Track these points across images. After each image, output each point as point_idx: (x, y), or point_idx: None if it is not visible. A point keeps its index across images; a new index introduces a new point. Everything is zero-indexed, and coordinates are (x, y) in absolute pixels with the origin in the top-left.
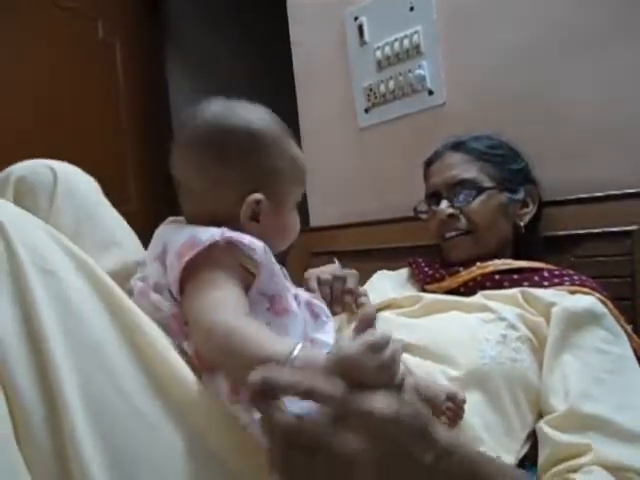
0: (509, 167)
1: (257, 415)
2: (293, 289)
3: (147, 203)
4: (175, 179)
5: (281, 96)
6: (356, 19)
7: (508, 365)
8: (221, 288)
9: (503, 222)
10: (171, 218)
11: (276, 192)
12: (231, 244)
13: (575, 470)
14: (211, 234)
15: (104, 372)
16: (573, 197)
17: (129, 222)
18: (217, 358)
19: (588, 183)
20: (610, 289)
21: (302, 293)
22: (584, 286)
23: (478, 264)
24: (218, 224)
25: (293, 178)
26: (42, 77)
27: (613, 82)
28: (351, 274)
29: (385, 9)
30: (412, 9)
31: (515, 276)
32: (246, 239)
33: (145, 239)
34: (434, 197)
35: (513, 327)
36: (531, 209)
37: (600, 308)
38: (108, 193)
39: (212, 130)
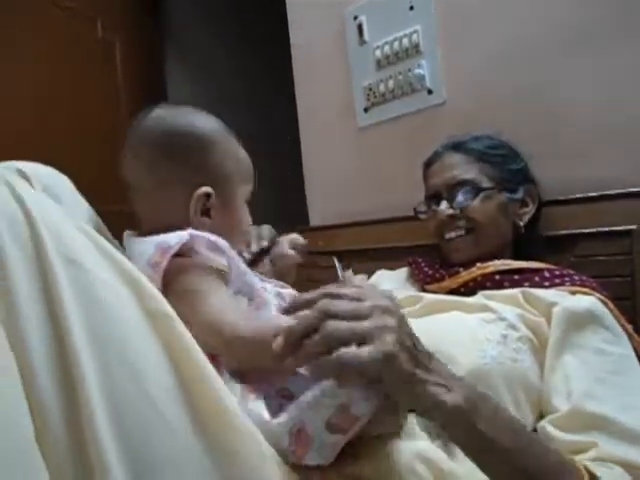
0: (508, 167)
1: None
2: (260, 282)
3: None
4: (125, 182)
5: (280, 96)
6: (355, 18)
7: (509, 365)
8: (214, 289)
9: (503, 222)
10: (127, 232)
11: (224, 189)
12: (199, 243)
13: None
14: (179, 236)
15: (129, 373)
16: (573, 197)
17: (128, 221)
18: (244, 356)
19: (588, 182)
20: (610, 288)
21: (269, 285)
22: (585, 286)
23: (478, 264)
24: (173, 228)
25: (239, 177)
26: (41, 77)
27: (613, 82)
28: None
29: (384, 8)
30: (412, 8)
31: (516, 276)
32: (212, 237)
33: None
34: (434, 198)
35: (513, 327)
36: (530, 208)
37: (600, 308)
38: (107, 192)
39: (158, 131)
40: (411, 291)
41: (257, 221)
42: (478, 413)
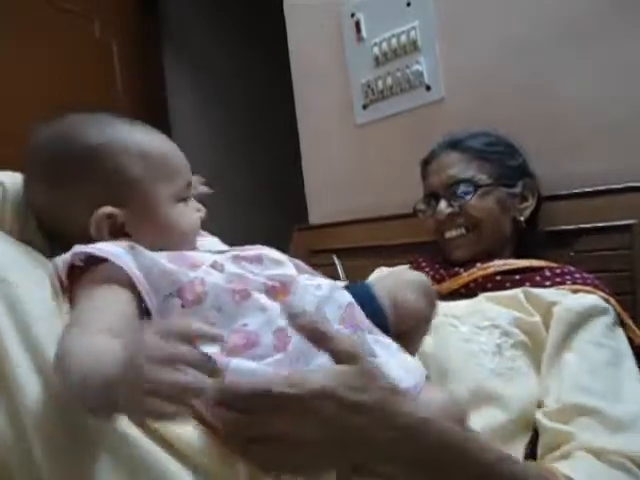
0: (506, 163)
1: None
2: (207, 260)
3: None
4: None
5: (279, 94)
6: (353, 15)
7: (507, 375)
8: (85, 298)
9: (503, 217)
10: None
11: (134, 197)
12: (87, 258)
13: (563, 457)
14: (62, 258)
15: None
16: (572, 191)
17: None
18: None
19: (587, 177)
20: (610, 283)
21: (224, 257)
22: (586, 284)
23: (479, 265)
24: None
25: (151, 175)
26: (39, 78)
27: (612, 76)
28: None
29: (382, 5)
30: (409, 5)
31: (516, 276)
32: (96, 248)
33: None
34: (433, 197)
35: (507, 334)
36: (530, 203)
37: (602, 305)
38: None
39: (43, 158)
40: None
41: (257, 219)
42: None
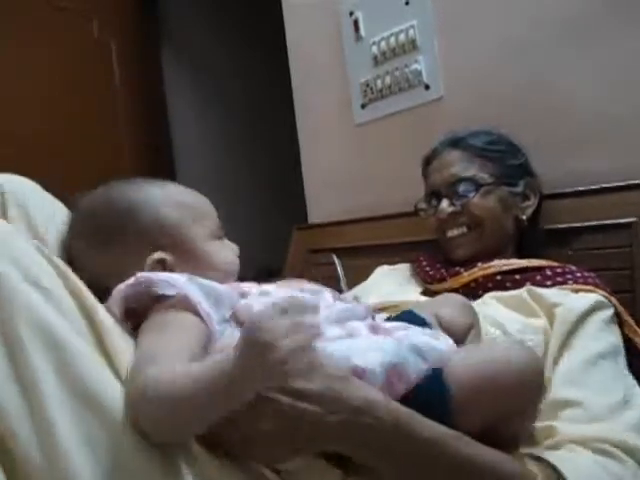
0: (508, 162)
1: None
2: (257, 290)
3: None
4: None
5: (278, 94)
6: (351, 14)
7: None
8: (157, 327)
9: (504, 216)
10: None
11: (176, 241)
12: (148, 286)
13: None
14: (125, 283)
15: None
16: (572, 190)
17: None
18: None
19: (587, 175)
20: (609, 281)
21: (275, 290)
22: (587, 284)
23: (480, 264)
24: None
25: (188, 220)
26: (38, 77)
27: (611, 74)
28: None
29: (380, 4)
30: (407, 3)
31: (517, 276)
32: (160, 276)
33: None
34: (434, 195)
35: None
36: (532, 202)
37: (602, 301)
38: None
39: (89, 224)
40: (416, 288)
41: (257, 219)
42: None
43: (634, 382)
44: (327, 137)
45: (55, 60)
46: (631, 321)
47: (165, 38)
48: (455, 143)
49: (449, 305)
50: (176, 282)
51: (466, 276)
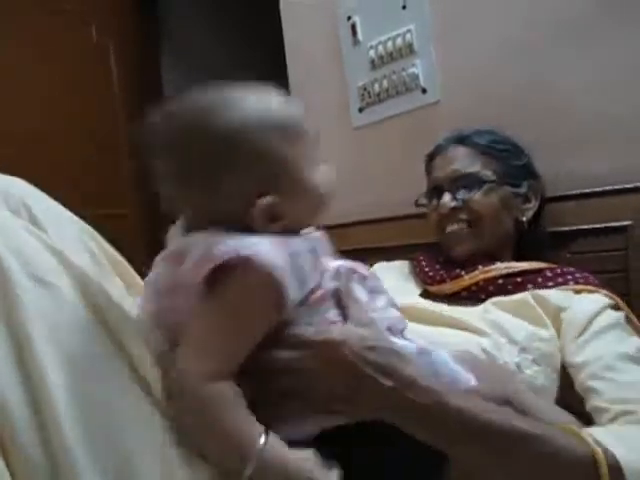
0: (512, 162)
1: None
2: (329, 265)
3: (142, 205)
4: (162, 192)
5: None
6: (349, 18)
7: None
8: (225, 319)
9: (505, 216)
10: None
11: (286, 179)
12: (247, 263)
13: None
14: (224, 249)
15: (97, 388)
16: (568, 193)
17: (124, 224)
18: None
19: (582, 179)
20: (605, 284)
21: (341, 264)
22: (588, 283)
23: (480, 268)
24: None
25: (290, 147)
26: (37, 81)
27: (607, 77)
28: None
29: (378, 8)
30: (404, 7)
31: (518, 279)
32: (262, 255)
33: (140, 242)
34: (436, 191)
35: (525, 350)
36: (533, 204)
37: (608, 302)
38: (104, 195)
39: (177, 153)
40: (415, 287)
41: None
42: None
43: None
44: (325, 140)
45: (54, 62)
46: (635, 319)
47: (164, 40)
48: (460, 140)
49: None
50: (276, 264)
51: (467, 279)
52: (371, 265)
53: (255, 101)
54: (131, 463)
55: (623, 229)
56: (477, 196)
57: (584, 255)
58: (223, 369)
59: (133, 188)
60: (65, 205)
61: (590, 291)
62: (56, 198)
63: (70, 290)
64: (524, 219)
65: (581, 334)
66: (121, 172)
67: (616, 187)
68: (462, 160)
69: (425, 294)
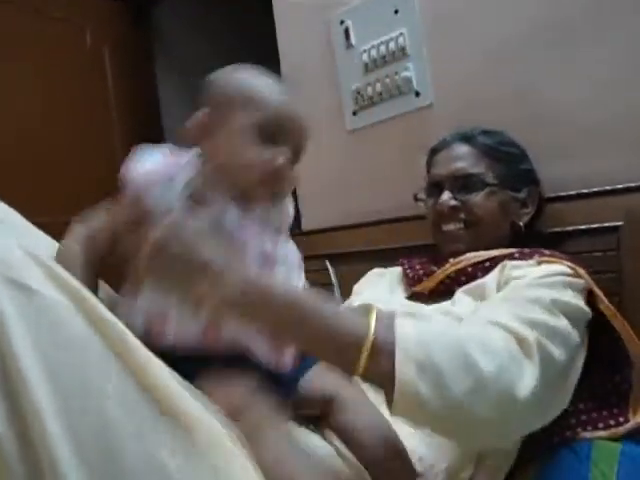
0: (516, 166)
1: None
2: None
3: None
4: None
5: None
6: (342, 23)
7: None
8: None
9: (502, 219)
10: None
11: (218, 111)
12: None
13: None
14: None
15: (80, 388)
16: (559, 194)
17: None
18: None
19: (574, 180)
20: (598, 284)
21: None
22: (553, 257)
23: (451, 260)
24: None
25: (237, 100)
26: (31, 87)
27: (597, 79)
28: None
29: (370, 12)
30: (397, 12)
31: (487, 264)
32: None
33: None
34: (436, 187)
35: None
36: (530, 210)
37: (564, 270)
38: (99, 198)
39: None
40: (401, 293)
41: None
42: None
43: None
44: (319, 144)
45: (48, 70)
46: (600, 293)
47: (159, 47)
48: (466, 138)
49: None
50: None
51: (439, 274)
52: (370, 268)
53: (250, 76)
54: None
55: (614, 230)
56: (477, 198)
57: (576, 256)
58: None
59: None
60: (61, 211)
61: (550, 262)
62: (52, 204)
63: (57, 295)
64: (521, 223)
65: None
66: (116, 181)
67: (607, 188)
68: (466, 159)
69: (412, 297)
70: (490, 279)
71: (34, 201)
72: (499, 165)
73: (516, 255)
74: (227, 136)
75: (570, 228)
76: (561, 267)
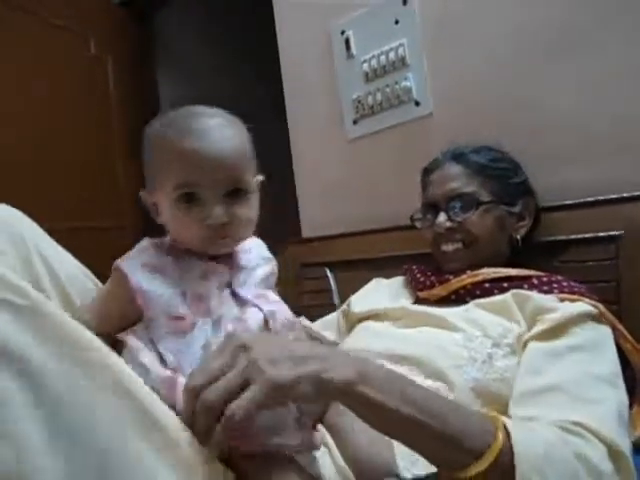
0: (509, 181)
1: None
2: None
3: (140, 218)
4: None
5: (271, 108)
6: (343, 33)
7: (494, 387)
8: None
9: (499, 235)
10: None
11: (155, 186)
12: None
13: None
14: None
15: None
16: (558, 203)
17: (123, 237)
18: None
19: (572, 189)
20: (595, 294)
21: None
22: (573, 293)
23: (469, 272)
24: None
25: (164, 170)
26: (34, 94)
27: (595, 88)
28: None
29: (371, 22)
30: (397, 22)
31: (505, 284)
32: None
33: None
34: (431, 207)
35: (498, 345)
36: (527, 222)
37: (588, 309)
38: (100, 207)
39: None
40: (406, 298)
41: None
42: (371, 384)
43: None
44: (320, 152)
45: (52, 77)
46: (623, 329)
47: (161, 54)
48: (457, 157)
49: None
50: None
51: (454, 283)
52: (369, 275)
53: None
54: None
55: (614, 239)
56: (473, 217)
57: (575, 265)
58: None
59: (131, 200)
60: (64, 218)
61: (573, 300)
62: (54, 211)
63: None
64: (518, 237)
65: (553, 338)
66: (119, 184)
67: (607, 197)
68: (459, 179)
69: (416, 303)
70: (509, 301)
71: (35, 207)
72: (492, 182)
73: (534, 282)
74: (166, 209)
75: (570, 237)
76: (585, 307)
